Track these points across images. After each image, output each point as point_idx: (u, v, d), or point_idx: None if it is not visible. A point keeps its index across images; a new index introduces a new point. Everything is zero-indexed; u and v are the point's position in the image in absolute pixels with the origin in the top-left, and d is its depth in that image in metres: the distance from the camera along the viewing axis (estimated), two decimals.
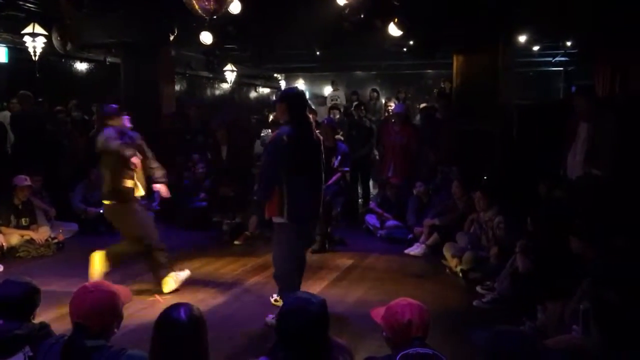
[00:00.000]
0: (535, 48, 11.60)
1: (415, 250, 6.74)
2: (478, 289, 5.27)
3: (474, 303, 4.98)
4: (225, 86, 15.51)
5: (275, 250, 4.66)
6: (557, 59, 13.39)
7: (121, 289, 2.63)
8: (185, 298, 4.95)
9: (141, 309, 4.60)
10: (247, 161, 8.31)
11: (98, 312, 2.40)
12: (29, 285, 2.81)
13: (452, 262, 5.90)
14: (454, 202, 6.85)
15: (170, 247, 6.99)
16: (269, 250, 6.85)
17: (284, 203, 4.33)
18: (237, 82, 14.82)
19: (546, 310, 4.01)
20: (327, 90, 16.83)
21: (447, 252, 6.05)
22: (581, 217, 4.51)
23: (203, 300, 4.96)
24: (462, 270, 5.68)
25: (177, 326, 2.16)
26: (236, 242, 7.22)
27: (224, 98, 15.73)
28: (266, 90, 18.19)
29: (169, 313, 2.21)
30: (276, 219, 4.44)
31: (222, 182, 7.84)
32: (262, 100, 17.69)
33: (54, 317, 4.21)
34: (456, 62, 8.75)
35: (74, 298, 2.44)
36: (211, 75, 14.61)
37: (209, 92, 15.98)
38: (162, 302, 4.89)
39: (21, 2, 8.21)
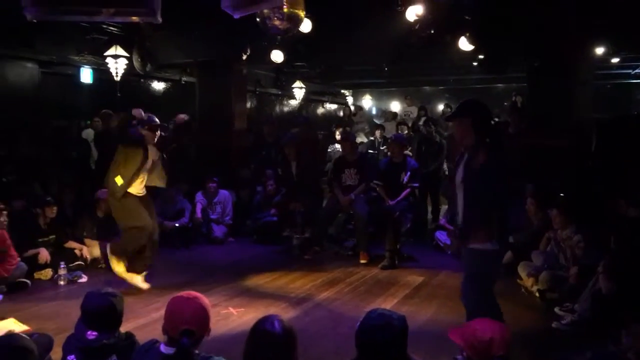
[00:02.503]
0: (614, 60, 11.13)
1: None
2: (557, 310, 5.06)
3: (553, 325, 4.79)
4: (294, 103, 15.76)
5: (476, 285, 3.81)
6: (637, 70, 12.79)
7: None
8: (257, 311, 5.05)
9: (215, 321, 4.70)
10: (316, 176, 8.40)
11: (202, 318, 2.48)
12: (115, 295, 2.91)
13: (528, 282, 5.71)
14: (527, 219, 6.65)
15: (241, 260, 7.22)
16: (339, 265, 6.95)
17: (494, 228, 3.69)
18: (305, 99, 15.03)
19: (631, 334, 3.80)
20: (394, 105, 16.79)
21: (522, 271, 5.86)
22: None
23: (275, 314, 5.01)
24: (539, 290, 5.48)
25: (272, 337, 2.22)
26: (306, 257, 7.27)
27: (293, 114, 15.98)
28: (333, 107, 18.34)
29: (264, 324, 2.27)
30: (484, 246, 3.70)
31: (292, 197, 7.96)
32: (329, 116, 17.85)
33: (133, 327, 4.38)
34: (530, 75, 8.53)
35: (175, 307, 2.48)
36: (280, 92, 14.91)
37: (277, 108, 16.28)
38: (235, 314, 5.00)
39: (104, 26, 8.71)
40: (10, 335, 2.63)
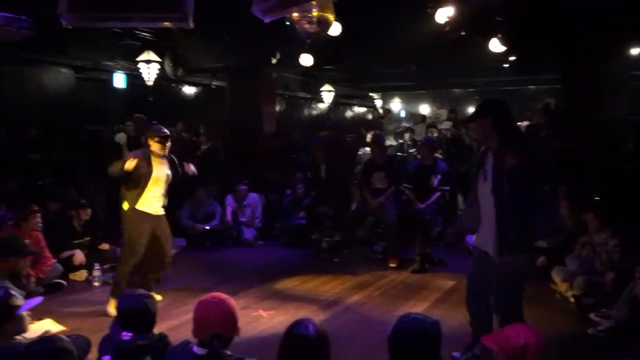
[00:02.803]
0: None
1: None
2: (592, 316, 4.95)
3: (589, 331, 4.68)
4: (322, 106, 15.79)
5: (513, 294, 3.69)
6: None
7: None
8: (287, 314, 5.06)
9: (246, 323, 4.72)
10: (345, 179, 8.38)
11: (230, 320, 2.50)
12: (148, 297, 2.96)
13: (562, 287, 5.59)
14: (561, 223, 6.52)
15: (270, 263, 7.24)
16: (368, 268, 6.91)
17: (529, 235, 3.57)
18: (334, 102, 15.06)
19: None
20: (423, 108, 16.68)
21: (556, 276, 5.75)
22: None
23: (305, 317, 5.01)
24: (573, 295, 5.37)
25: (306, 341, 2.23)
26: (335, 260, 7.25)
27: (321, 118, 16.02)
28: (362, 110, 18.32)
29: (297, 328, 2.27)
30: (520, 258, 3.56)
31: (321, 201, 7.96)
32: (358, 119, 17.83)
33: (165, 328, 4.43)
34: (563, 76, 8.39)
35: (203, 312, 2.51)
36: (308, 96, 14.96)
37: (306, 112, 16.34)
38: (265, 317, 5.02)
39: (137, 31, 8.86)
40: (50, 337, 2.68)
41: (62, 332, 4.11)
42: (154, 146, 5.19)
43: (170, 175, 5.33)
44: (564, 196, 6.67)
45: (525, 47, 7.82)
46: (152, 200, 5.23)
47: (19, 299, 2.91)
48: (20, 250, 4.00)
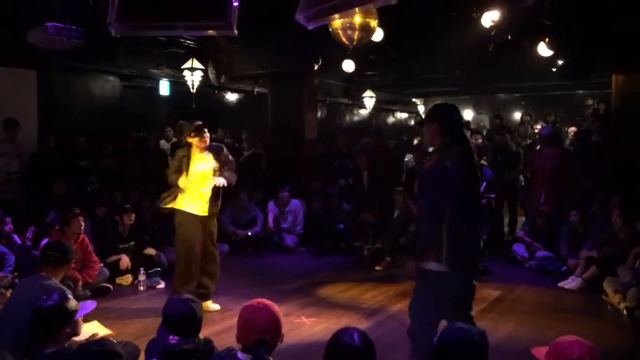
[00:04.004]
0: None
1: (570, 283, 6.25)
2: None
3: None
4: (364, 112, 15.73)
5: (417, 300, 3.67)
6: None
7: None
8: (330, 322, 5.03)
9: (288, 330, 4.70)
10: (387, 186, 8.30)
11: (274, 326, 2.48)
12: (195, 302, 2.97)
13: (615, 299, 5.39)
14: (614, 232, 6.29)
15: (312, 270, 7.22)
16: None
17: (443, 245, 3.37)
18: (375, 108, 14.97)
19: None
20: (467, 114, 16.43)
21: (608, 287, 5.55)
22: None
23: (347, 325, 4.96)
24: (626, 307, 5.16)
25: (351, 350, 2.19)
26: (377, 268, 7.18)
27: (363, 124, 15.96)
28: (404, 115, 18.17)
29: (342, 337, 2.24)
30: (430, 266, 3.44)
31: (364, 208, 7.89)
32: (400, 125, 17.69)
33: (209, 333, 4.45)
34: (615, 81, 8.11)
35: (248, 317, 2.50)
36: (350, 102, 14.92)
37: (347, 118, 16.30)
38: (307, 324, 5.00)
39: (182, 40, 8.99)
40: (101, 340, 2.73)
41: (109, 335, 4.18)
42: (194, 140, 5.24)
43: (217, 167, 5.31)
44: (617, 205, 6.44)
45: (574, 50, 7.58)
46: (202, 201, 5.28)
47: (75, 302, 2.98)
48: (72, 256, 4.11)
